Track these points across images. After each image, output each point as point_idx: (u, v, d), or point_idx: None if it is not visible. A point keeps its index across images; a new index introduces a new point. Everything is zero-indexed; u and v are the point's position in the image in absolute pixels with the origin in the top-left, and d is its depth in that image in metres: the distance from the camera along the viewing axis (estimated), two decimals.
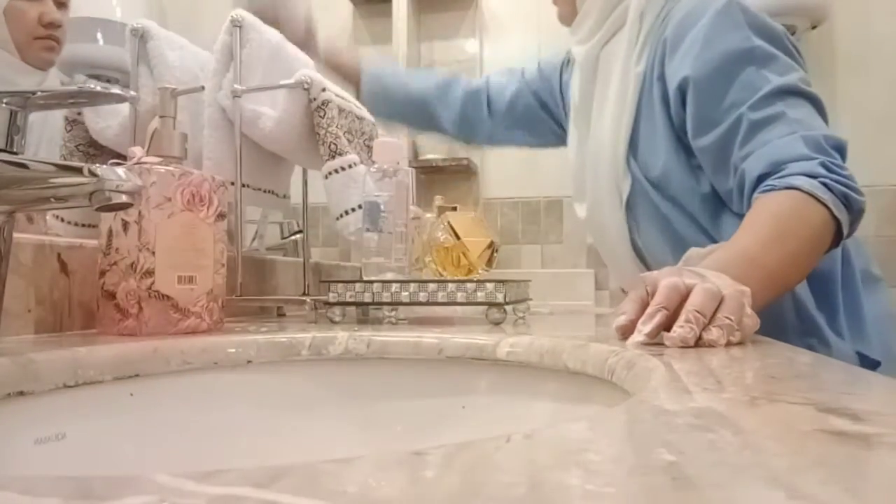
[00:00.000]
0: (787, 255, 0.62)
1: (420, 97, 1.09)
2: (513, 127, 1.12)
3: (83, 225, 0.69)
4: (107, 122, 0.74)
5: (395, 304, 0.67)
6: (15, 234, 0.44)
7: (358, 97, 1.03)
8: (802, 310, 0.75)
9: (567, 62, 1.06)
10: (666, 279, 0.46)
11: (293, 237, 1.14)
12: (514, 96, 1.10)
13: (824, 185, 0.64)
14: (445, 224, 0.80)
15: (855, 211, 0.66)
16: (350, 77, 1.06)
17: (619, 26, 0.87)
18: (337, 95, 0.79)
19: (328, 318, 0.69)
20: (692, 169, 0.80)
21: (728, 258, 0.59)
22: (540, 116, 1.10)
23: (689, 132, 0.77)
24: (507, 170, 1.94)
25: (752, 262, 0.59)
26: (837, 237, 0.66)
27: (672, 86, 0.78)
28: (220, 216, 0.58)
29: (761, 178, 0.68)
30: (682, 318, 0.43)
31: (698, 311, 0.43)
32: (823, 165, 0.65)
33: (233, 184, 0.76)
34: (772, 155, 0.68)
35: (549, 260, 1.90)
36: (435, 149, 1.86)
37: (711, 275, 0.48)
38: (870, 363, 0.75)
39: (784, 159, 0.67)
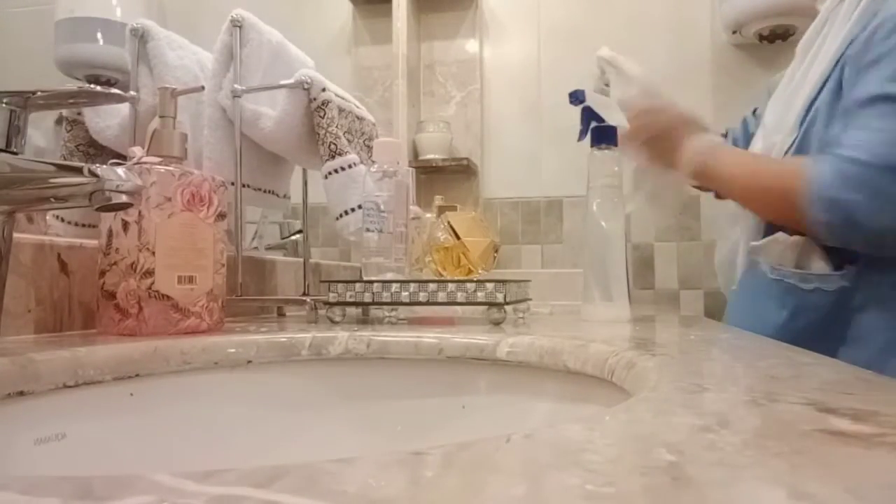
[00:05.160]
0: (736, 177, 0.83)
1: None
2: None
3: (83, 225, 0.69)
4: (107, 122, 0.74)
5: (395, 304, 0.67)
6: (15, 234, 0.44)
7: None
8: None
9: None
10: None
11: (293, 237, 1.14)
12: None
13: (828, 197, 0.71)
14: (445, 224, 0.80)
15: (852, 230, 0.72)
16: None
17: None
18: (337, 95, 0.79)
19: (328, 318, 0.69)
20: None
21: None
22: None
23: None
24: (507, 170, 1.94)
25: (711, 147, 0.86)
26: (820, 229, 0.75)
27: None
28: (220, 216, 0.58)
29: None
30: None
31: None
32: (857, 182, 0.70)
33: (233, 184, 0.76)
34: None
35: (549, 260, 1.90)
36: (435, 149, 1.86)
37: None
38: None
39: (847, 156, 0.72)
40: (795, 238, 0.82)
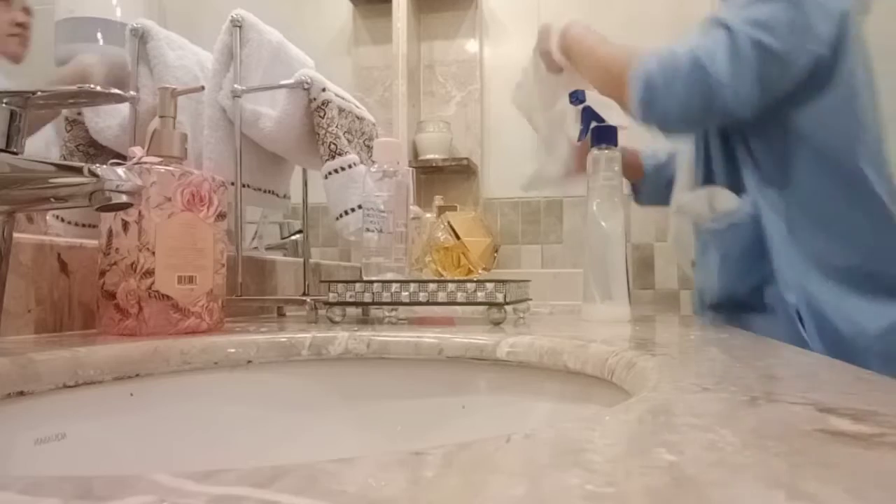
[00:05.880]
0: (596, 61, 0.97)
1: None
2: None
3: (83, 225, 0.69)
4: (107, 122, 0.74)
5: (395, 304, 0.67)
6: (15, 234, 0.44)
7: (637, 192, 1.21)
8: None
9: None
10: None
11: (293, 237, 1.14)
12: None
13: (647, 73, 0.84)
14: (445, 224, 0.80)
15: (652, 108, 0.85)
16: (633, 169, 1.18)
17: None
18: (337, 95, 0.79)
19: (328, 318, 0.69)
20: None
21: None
22: None
23: None
24: (507, 170, 1.94)
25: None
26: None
27: None
28: (220, 216, 0.58)
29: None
30: None
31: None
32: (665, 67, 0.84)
33: (233, 184, 0.76)
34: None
35: (549, 260, 1.90)
36: (435, 149, 1.86)
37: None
38: None
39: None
40: (702, 190, 0.96)
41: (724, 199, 0.93)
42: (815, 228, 0.87)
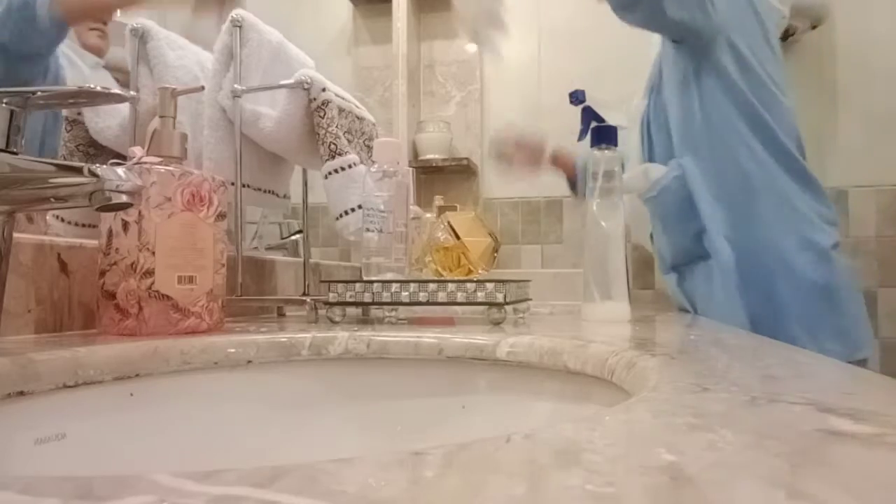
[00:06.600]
0: None
1: None
2: None
3: (83, 225, 0.69)
4: (107, 122, 0.74)
5: (395, 304, 0.67)
6: (15, 234, 0.44)
7: (573, 187, 1.40)
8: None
9: None
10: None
11: (293, 237, 1.14)
12: None
13: None
14: (445, 224, 0.80)
15: None
16: (567, 167, 1.37)
17: None
18: (337, 95, 0.79)
19: (328, 318, 0.69)
20: None
21: None
22: None
23: None
24: (507, 170, 1.94)
25: None
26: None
27: None
28: (220, 216, 0.58)
29: None
30: None
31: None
32: None
33: (233, 184, 0.76)
34: None
35: (549, 260, 1.90)
36: (435, 149, 1.86)
37: None
38: None
39: None
40: (638, 167, 1.13)
41: (655, 169, 1.10)
42: (730, 183, 1.02)
